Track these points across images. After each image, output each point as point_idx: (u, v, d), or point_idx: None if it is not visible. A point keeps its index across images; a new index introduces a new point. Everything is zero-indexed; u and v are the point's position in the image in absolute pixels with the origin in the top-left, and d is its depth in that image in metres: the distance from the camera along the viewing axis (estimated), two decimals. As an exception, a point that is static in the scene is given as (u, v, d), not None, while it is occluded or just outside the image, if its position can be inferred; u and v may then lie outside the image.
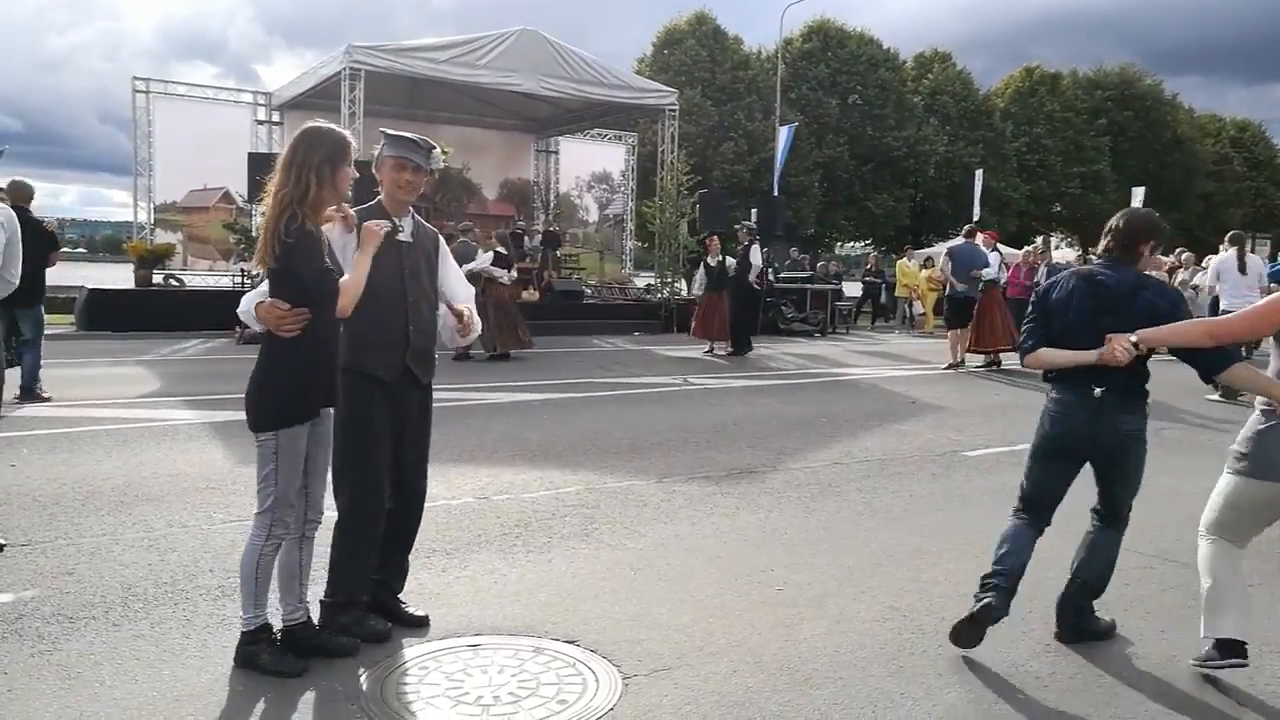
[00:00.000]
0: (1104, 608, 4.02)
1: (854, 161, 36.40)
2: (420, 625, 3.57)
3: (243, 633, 3.19)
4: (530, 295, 18.46)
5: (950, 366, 13.10)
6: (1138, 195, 33.70)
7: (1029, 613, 3.93)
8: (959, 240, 13.70)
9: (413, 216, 3.61)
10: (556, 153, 23.43)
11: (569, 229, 23.33)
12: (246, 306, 3.16)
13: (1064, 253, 30.09)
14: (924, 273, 21.59)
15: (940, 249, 28.49)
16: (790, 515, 5.35)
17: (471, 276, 11.91)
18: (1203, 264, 16.80)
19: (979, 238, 13.67)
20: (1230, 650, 3.26)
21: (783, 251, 23.42)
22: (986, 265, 13.34)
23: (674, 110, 19.12)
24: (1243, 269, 11.23)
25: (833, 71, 36.89)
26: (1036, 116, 41.11)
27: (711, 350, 14.08)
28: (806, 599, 4.02)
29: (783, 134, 25.78)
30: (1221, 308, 11.28)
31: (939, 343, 17.11)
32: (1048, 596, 4.11)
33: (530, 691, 3.10)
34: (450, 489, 5.64)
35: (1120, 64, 45.83)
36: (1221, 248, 11.74)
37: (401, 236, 3.49)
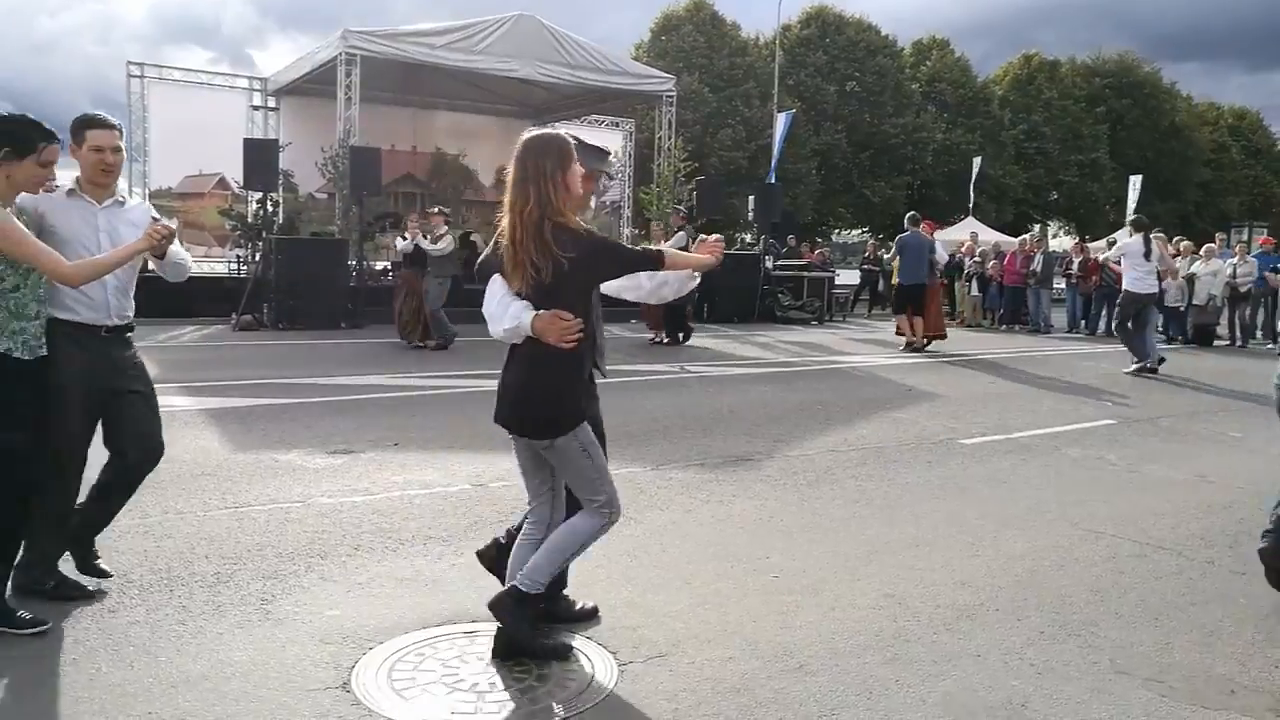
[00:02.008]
0: (1096, 596, 4.04)
1: (852, 149, 36.32)
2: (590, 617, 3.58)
3: (528, 594, 3.17)
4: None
5: (910, 347, 13.59)
6: (1135, 183, 33.70)
7: (1024, 600, 3.94)
8: (906, 231, 14.12)
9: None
10: (554, 139, 23.35)
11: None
12: (512, 325, 3.09)
13: (1061, 241, 30.08)
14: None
15: (938, 236, 28.49)
16: (786, 503, 5.35)
17: (418, 256, 11.76)
18: (1200, 253, 16.83)
19: (922, 227, 14.26)
20: None
21: (780, 239, 23.39)
22: (934, 254, 14.18)
23: (671, 97, 19.06)
24: (1147, 255, 11.74)
25: (830, 58, 36.75)
26: (1034, 104, 41.01)
27: (656, 340, 13.65)
28: (802, 586, 4.03)
29: (780, 121, 25.71)
30: (1124, 289, 11.85)
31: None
32: (1043, 586, 4.13)
33: (526, 678, 3.11)
34: (446, 475, 5.65)
35: (1118, 51, 45.71)
36: (1125, 232, 12.33)
37: None
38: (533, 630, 3.24)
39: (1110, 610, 3.87)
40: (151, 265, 3.73)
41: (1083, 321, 17.99)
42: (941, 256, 14.89)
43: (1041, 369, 11.93)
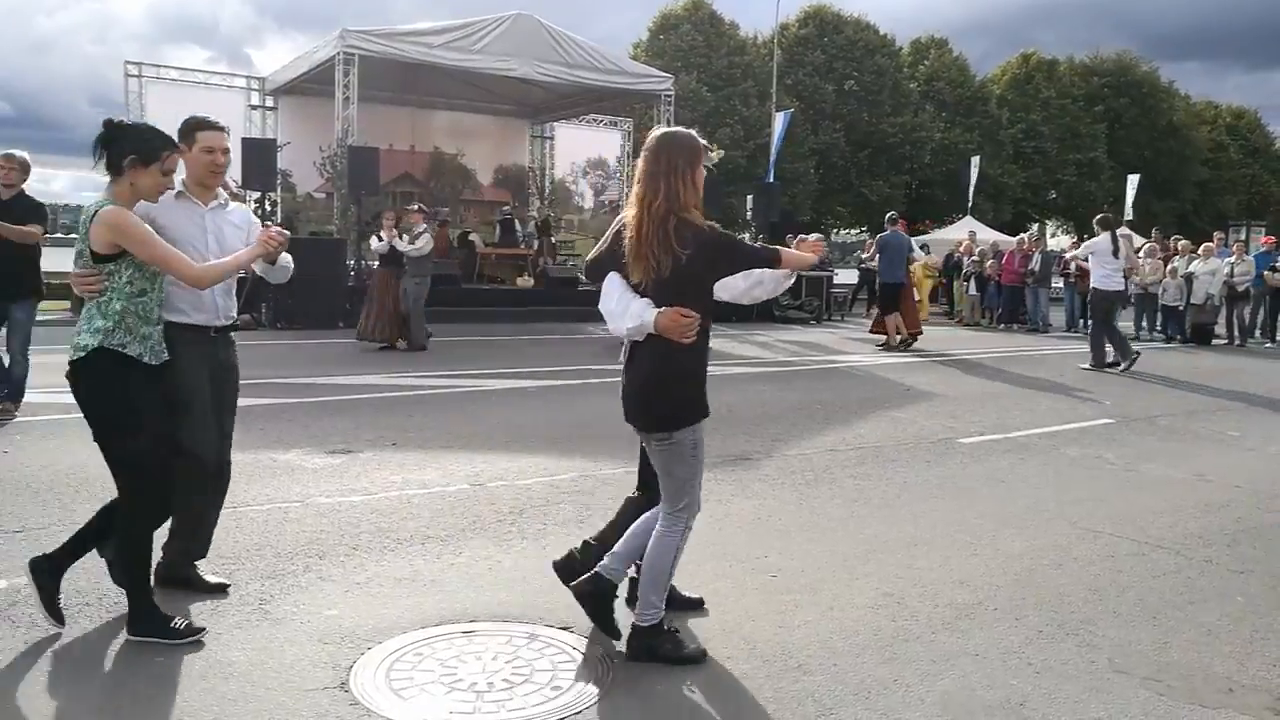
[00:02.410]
0: (1095, 595, 4.04)
1: (850, 148, 36.33)
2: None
3: (648, 627, 3.23)
4: (525, 282, 18.44)
5: (887, 346, 13.75)
6: (1133, 182, 33.69)
7: (1022, 600, 3.95)
8: (886, 230, 14.31)
9: None
10: (552, 138, 23.34)
11: (564, 215, 23.27)
12: (635, 324, 3.08)
13: (1059, 240, 30.09)
14: (919, 259, 21.59)
15: (936, 235, 28.52)
16: (784, 502, 5.35)
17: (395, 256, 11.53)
18: (1198, 252, 16.84)
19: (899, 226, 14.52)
20: None
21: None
22: (913, 252, 14.65)
23: (670, 96, 19.04)
24: (1115, 253, 11.92)
25: (829, 58, 36.77)
26: (1033, 103, 41.04)
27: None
28: (800, 585, 4.03)
29: (778, 120, 25.73)
30: (1092, 287, 12.12)
31: (934, 330, 17.12)
32: (1042, 585, 4.14)
33: (524, 678, 3.11)
34: (445, 475, 5.64)
35: (1117, 50, 45.76)
36: (1097, 228, 12.42)
37: None
38: (674, 645, 3.25)
39: (1108, 609, 3.87)
40: (258, 269, 3.74)
41: (1081, 320, 17.99)
42: (918, 255, 15.20)
43: (1039, 368, 11.93)
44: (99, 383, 3.21)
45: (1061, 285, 19.15)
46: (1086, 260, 12.57)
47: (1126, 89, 43.63)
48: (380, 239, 11.92)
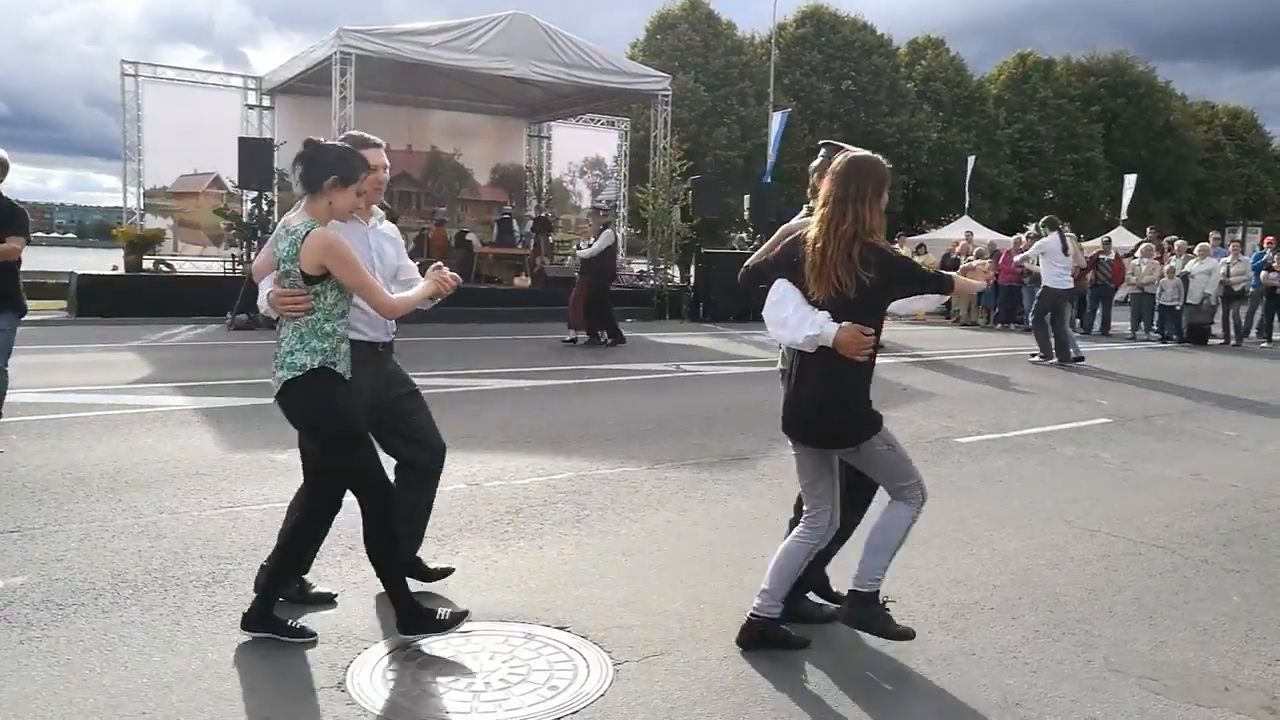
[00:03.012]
0: (1091, 594, 4.04)
1: (847, 148, 36.33)
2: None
3: (867, 593, 3.30)
4: (522, 282, 18.43)
5: None
6: (1129, 183, 33.70)
7: (1019, 599, 3.95)
8: None
9: None
10: (549, 138, 23.33)
11: (562, 215, 23.26)
12: (814, 333, 3.14)
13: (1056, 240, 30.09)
14: (916, 259, 21.60)
15: (933, 235, 28.53)
16: (782, 501, 5.33)
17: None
18: (1194, 252, 16.87)
19: None
20: None
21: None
22: None
23: (667, 96, 19.05)
24: (1065, 251, 12.26)
25: (826, 57, 36.79)
26: (1029, 103, 41.10)
27: (572, 340, 13.09)
28: (797, 585, 4.02)
29: (776, 120, 25.75)
30: (1044, 285, 12.39)
31: (932, 329, 17.15)
32: (1038, 584, 4.14)
33: (521, 678, 3.11)
34: (441, 475, 5.63)
35: (1113, 50, 45.84)
36: (1041, 229, 12.89)
37: None
38: (884, 620, 3.32)
39: (1104, 608, 3.88)
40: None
41: (1077, 320, 18.01)
42: None
43: (1036, 368, 11.95)
44: (321, 400, 3.27)
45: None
46: (1037, 262, 12.74)
47: (1123, 89, 43.70)
48: None
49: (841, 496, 3.40)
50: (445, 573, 3.89)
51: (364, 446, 3.32)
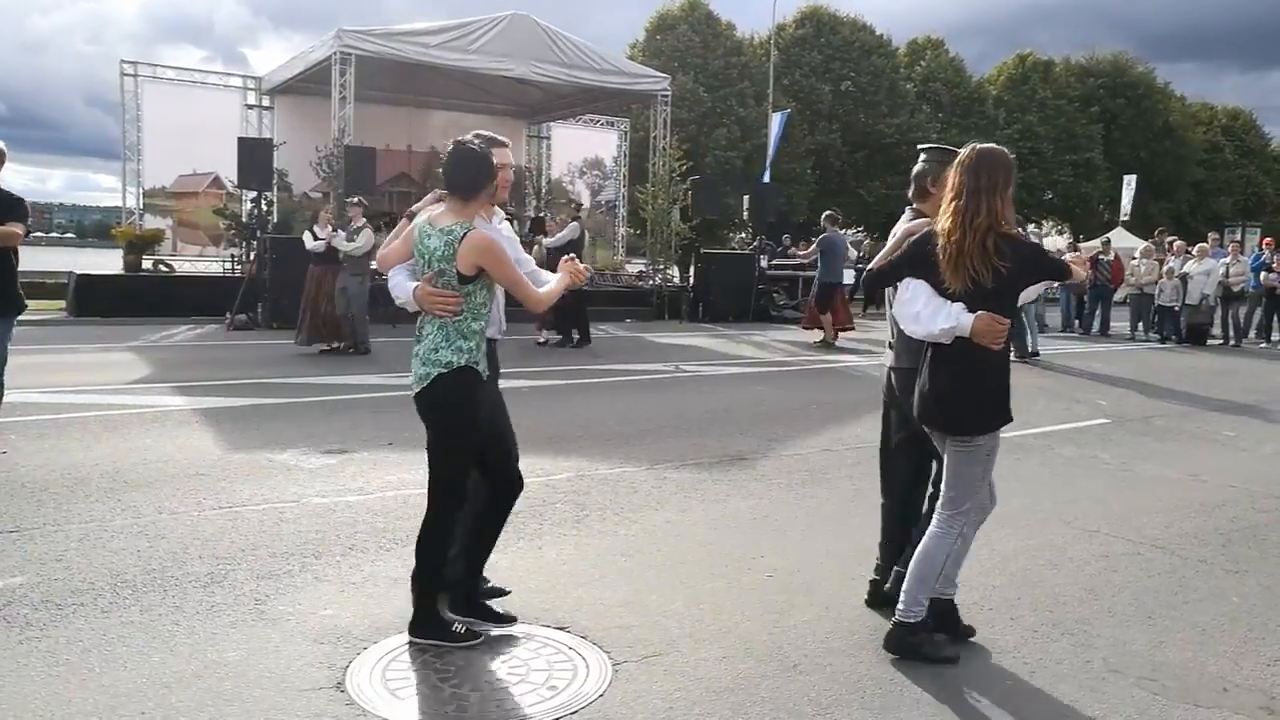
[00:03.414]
0: (1090, 595, 4.05)
1: (846, 148, 36.33)
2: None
3: (912, 624, 3.32)
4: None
5: (824, 344, 13.92)
6: (1129, 183, 33.70)
7: (1018, 599, 3.95)
8: (827, 230, 14.39)
9: None
10: (549, 138, 23.33)
11: (560, 215, 23.23)
12: (949, 325, 3.19)
13: (1054, 240, 30.14)
14: None
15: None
16: (781, 502, 5.36)
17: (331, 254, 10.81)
18: (1193, 252, 16.88)
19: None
20: None
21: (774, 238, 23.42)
22: (848, 252, 14.94)
23: (666, 96, 19.05)
24: None
25: (825, 58, 36.75)
26: (1029, 104, 41.07)
27: (544, 342, 12.82)
28: (796, 585, 4.03)
29: (775, 120, 25.75)
30: None
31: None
32: (1036, 584, 4.14)
33: (520, 678, 3.11)
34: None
35: (1112, 52, 45.82)
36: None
37: None
38: (933, 646, 3.35)
39: (1103, 609, 3.88)
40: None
41: (1076, 321, 18.03)
42: (852, 254, 15.68)
43: (1035, 369, 11.95)
44: (461, 397, 3.31)
45: (1057, 286, 19.15)
46: None
47: (1122, 90, 43.68)
48: (316, 235, 11.17)
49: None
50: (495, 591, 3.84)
51: (473, 446, 3.38)
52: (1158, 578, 4.29)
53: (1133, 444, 7.33)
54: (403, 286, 3.41)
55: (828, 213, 15.28)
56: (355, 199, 11.74)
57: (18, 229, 5.69)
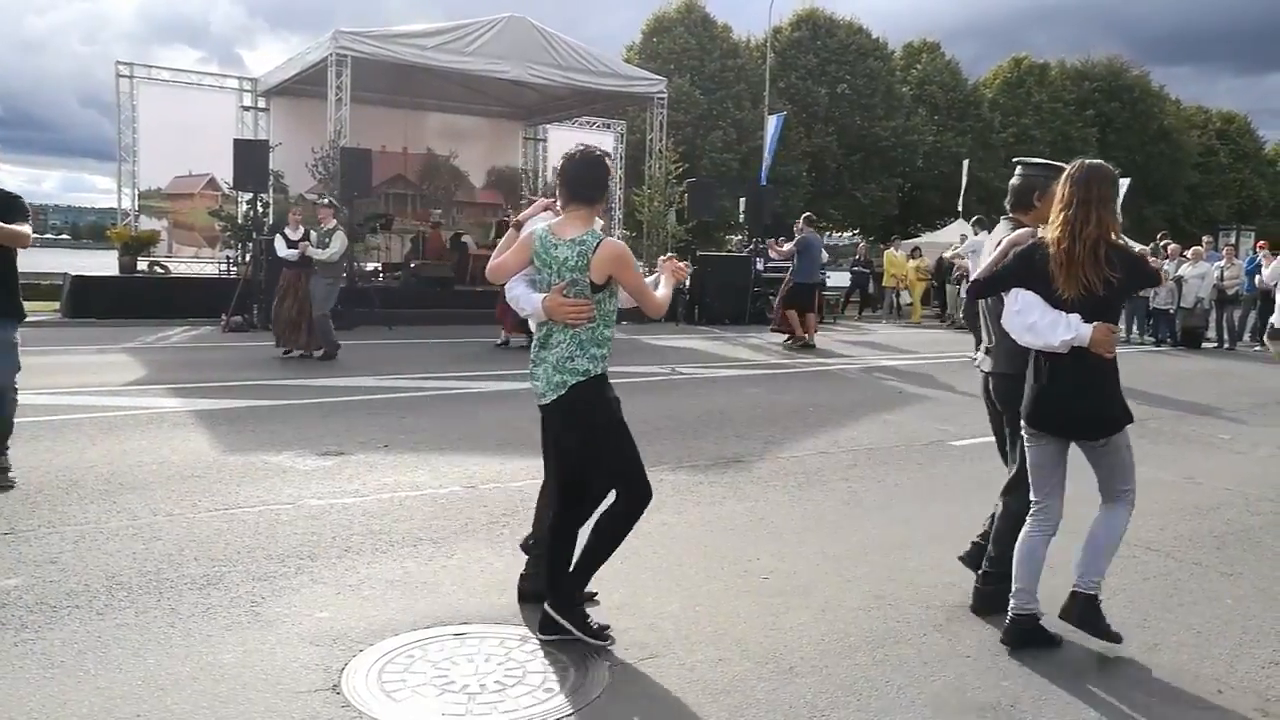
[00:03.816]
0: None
1: (842, 151, 36.38)
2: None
3: (1089, 596, 3.51)
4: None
5: (799, 343, 13.85)
6: (1123, 186, 33.74)
7: (1013, 601, 3.95)
8: (804, 231, 14.24)
9: None
10: (545, 140, 23.32)
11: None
12: (1069, 335, 3.32)
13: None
14: (911, 263, 21.66)
15: (928, 239, 28.56)
16: (777, 504, 5.36)
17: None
18: (1187, 255, 16.92)
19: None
20: None
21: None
22: (822, 253, 14.81)
23: (662, 98, 19.07)
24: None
25: (821, 61, 36.81)
26: (1024, 107, 41.17)
27: (503, 343, 12.52)
28: (792, 588, 4.04)
29: (771, 123, 25.76)
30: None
31: (927, 333, 17.18)
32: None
33: (516, 680, 3.11)
34: (437, 477, 5.64)
35: (1108, 55, 45.94)
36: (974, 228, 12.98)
37: None
38: (1102, 622, 3.52)
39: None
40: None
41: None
42: (825, 256, 15.86)
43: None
44: (600, 403, 3.39)
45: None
46: (965, 258, 12.88)
47: (1117, 93, 43.81)
48: (287, 241, 10.73)
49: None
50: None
51: (633, 446, 3.45)
52: (1152, 580, 4.30)
53: (1128, 446, 7.34)
54: (528, 299, 3.44)
55: (806, 214, 15.27)
56: (325, 200, 11.44)
57: (25, 228, 5.18)
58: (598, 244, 3.29)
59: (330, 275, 10.76)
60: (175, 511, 4.79)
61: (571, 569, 3.46)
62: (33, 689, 2.93)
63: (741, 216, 22.43)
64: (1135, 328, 17.32)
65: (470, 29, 16.17)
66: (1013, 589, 3.55)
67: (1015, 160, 4.12)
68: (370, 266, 17.49)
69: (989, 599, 3.77)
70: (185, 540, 4.35)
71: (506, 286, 3.55)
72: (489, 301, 16.63)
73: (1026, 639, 3.50)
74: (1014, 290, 3.50)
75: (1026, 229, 3.63)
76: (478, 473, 5.78)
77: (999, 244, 3.66)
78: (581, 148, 3.43)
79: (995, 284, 3.61)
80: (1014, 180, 3.97)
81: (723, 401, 8.91)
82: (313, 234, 10.69)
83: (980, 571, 3.88)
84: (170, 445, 6.24)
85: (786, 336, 14.16)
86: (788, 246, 14.79)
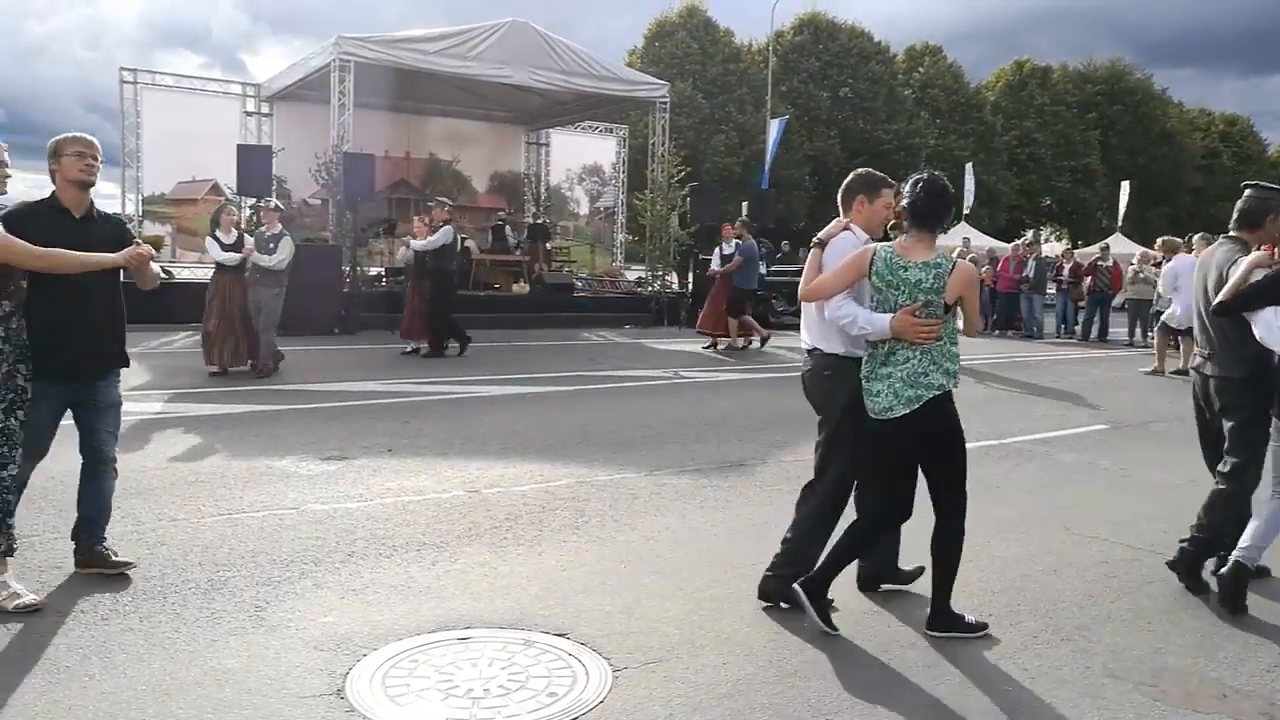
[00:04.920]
0: (1089, 601, 4.05)
1: (845, 155, 36.41)
2: None
3: (1242, 564, 3.92)
4: (521, 288, 18.45)
5: (730, 348, 13.70)
6: (1126, 189, 33.74)
7: (1018, 605, 3.95)
8: (745, 239, 13.96)
9: None
10: (547, 145, 23.37)
11: (560, 221, 23.28)
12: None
13: (1053, 246, 30.18)
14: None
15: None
16: (780, 508, 5.33)
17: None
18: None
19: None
20: None
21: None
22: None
23: (665, 102, 19.09)
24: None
25: (824, 64, 36.89)
26: (1027, 110, 41.22)
27: (413, 350, 11.93)
28: (796, 592, 4.02)
29: (773, 127, 25.81)
30: None
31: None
32: (1036, 590, 4.14)
33: (520, 684, 3.11)
34: (440, 482, 5.64)
35: (1110, 58, 46.01)
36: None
37: None
38: (1243, 597, 3.93)
39: (1103, 615, 3.88)
40: None
41: (1077, 327, 18.08)
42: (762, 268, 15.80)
43: (1034, 374, 11.96)
44: (952, 416, 3.60)
45: (1055, 291, 19.23)
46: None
47: (1120, 96, 43.85)
48: (223, 246, 9.62)
49: None
50: (917, 572, 4.08)
51: (965, 456, 3.66)
52: (1157, 584, 4.29)
53: (1132, 450, 7.34)
54: (869, 319, 3.56)
55: (742, 218, 15.04)
56: (272, 203, 10.60)
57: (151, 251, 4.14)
58: (953, 267, 3.51)
59: (276, 285, 9.76)
60: (179, 516, 4.80)
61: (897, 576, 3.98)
62: (37, 694, 2.93)
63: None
64: (1139, 330, 17.29)
65: (473, 34, 16.21)
66: (1247, 545, 3.94)
67: (1244, 184, 4.38)
68: (373, 271, 17.51)
69: (1191, 559, 4.22)
70: (189, 545, 4.36)
71: (832, 306, 3.67)
72: (490, 306, 16.70)
73: (1242, 586, 3.92)
74: (1272, 307, 3.82)
75: (1263, 252, 3.98)
76: (480, 477, 5.78)
77: (1234, 264, 3.98)
78: (928, 174, 3.59)
79: (1242, 304, 3.91)
80: (1245, 203, 4.19)
81: (726, 405, 8.90)
82: (248, 239, 9.77)
83: (1189, 538, 4.31)
84: (174, 450, 6.24)
85: (709, 344, 13.83)
86: (735, 258, 13.76)
